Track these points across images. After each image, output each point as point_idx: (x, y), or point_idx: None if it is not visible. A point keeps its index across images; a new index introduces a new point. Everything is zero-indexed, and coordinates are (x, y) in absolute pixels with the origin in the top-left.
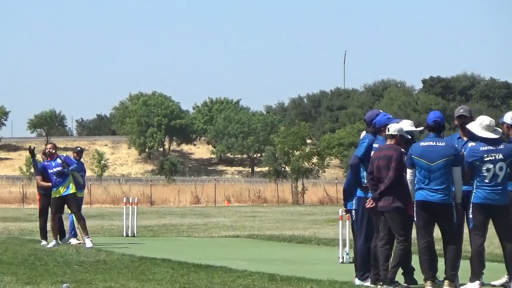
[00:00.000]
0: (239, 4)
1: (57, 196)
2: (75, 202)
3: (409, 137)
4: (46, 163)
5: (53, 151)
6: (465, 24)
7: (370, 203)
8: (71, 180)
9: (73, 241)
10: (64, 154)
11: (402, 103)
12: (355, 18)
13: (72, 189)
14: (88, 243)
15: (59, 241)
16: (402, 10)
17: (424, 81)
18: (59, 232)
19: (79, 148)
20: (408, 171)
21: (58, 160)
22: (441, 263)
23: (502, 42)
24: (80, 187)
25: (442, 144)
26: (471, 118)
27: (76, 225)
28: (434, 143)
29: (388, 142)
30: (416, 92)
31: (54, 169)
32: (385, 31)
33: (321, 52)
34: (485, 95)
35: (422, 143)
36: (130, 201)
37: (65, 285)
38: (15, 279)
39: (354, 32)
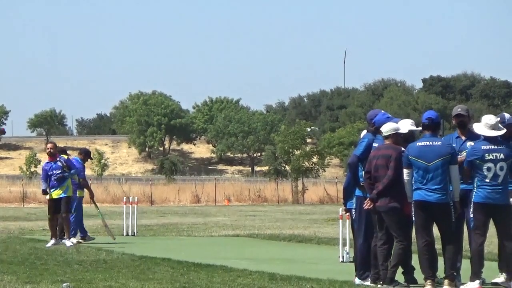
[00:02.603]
0: (239, 4)
1: (53, 198)
2: (67, 205)
3: (406, 130)
4: (46, 167)
5: (53, 151)
6: (465, 24)
7: (368, 204)
8: (69, 183)
9: (73, 240)
10: (65, 157)
11: (402, 102)
12: (355, 18)
13: (68, 192)
14: (68, 243)
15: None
16: (402, 9)
17: (424, 81)
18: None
19: (85, 149)
20: (405, 171)
21: (59, 163)
22: (441, 262)
23: (502, 42)
24: (80, 187)
25: (439, 143)
26: (469, 117)
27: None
28: (431, 142)
29: (386, 142)
30: (416, 91)
31: (55, 171)
32: (385, 31)
33: (321, 51)
34: (485, 95)
35: (418, 143)
36: (130, 200)
37: (65, 284)
38: (15, 278)
39: (354, 32)
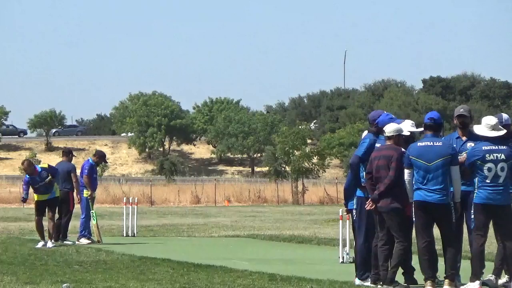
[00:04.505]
0: (239, 4)
1: (42, 199)
2: (55, 206)
3: (408, 133)
4: (29, 181)
5: (30, 170)
6: (465, 24)
7: (370, 204)
8: (55, 186)
9: (83, 240)
10: (40, 166)
11: (402, 103)
12: (355, 18)
13: (56, 193)
14: (49, 244)
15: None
16: (402, 10)
17: (424, 81)
18: (61, 232)
19: (100, 152)
20: (406, 171)
21: (44, 173)
22: (441, 263)
23: (502, 42)
24: (93, 187)
25: (440, 143)
26: (471, 118)
27: (90, 225)
28: (432, 143)
29: (388, 142)
30: (416, 92)
31: (41, 183)
32: (385, 31)
33: (321, 52)
34: (485, 95)
35: (419, 143)
36: (130, 201)
37: (65, 285)
38: (15, 279)
39: (354, 32)
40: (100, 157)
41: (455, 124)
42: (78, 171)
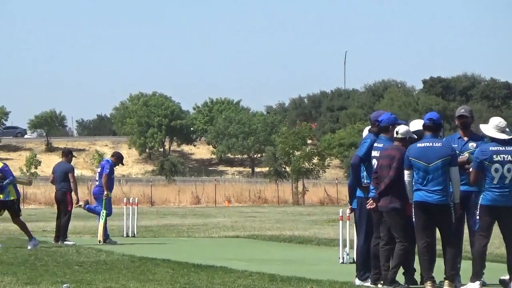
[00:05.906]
0: (239, 4)
1: None
2: (13, 208)
3: (415, 136)
4: None
5: None
6: (465, 24)
7: (370, 203)
8: (10, 188)
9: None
10: (0, 165)
11: (403, 103)
12: (355, 18)
13: (11, 195)
14: (31, 245)
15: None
16: (402, 10)
17: (424, 82)
18: (61, 233)
19: (118, 153)
20: (406, 172)
21: None
22: (441, 263)
23: (502, 42)
24: (110, 187)
25: (439, 144)
26: (472, 118)
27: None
28: (431, 143)
29: (396, 143)
30: (416, 92)
31: None
32: (385, 31)
33: (321, 52)
34: (485, 96)
35: (419, 144)
36: (131, 202)
37: (65, 285)
38: (15, 279)
39: (354, 32)
40: (118, 158)
41: (456, 125)
42: (79, 172)
